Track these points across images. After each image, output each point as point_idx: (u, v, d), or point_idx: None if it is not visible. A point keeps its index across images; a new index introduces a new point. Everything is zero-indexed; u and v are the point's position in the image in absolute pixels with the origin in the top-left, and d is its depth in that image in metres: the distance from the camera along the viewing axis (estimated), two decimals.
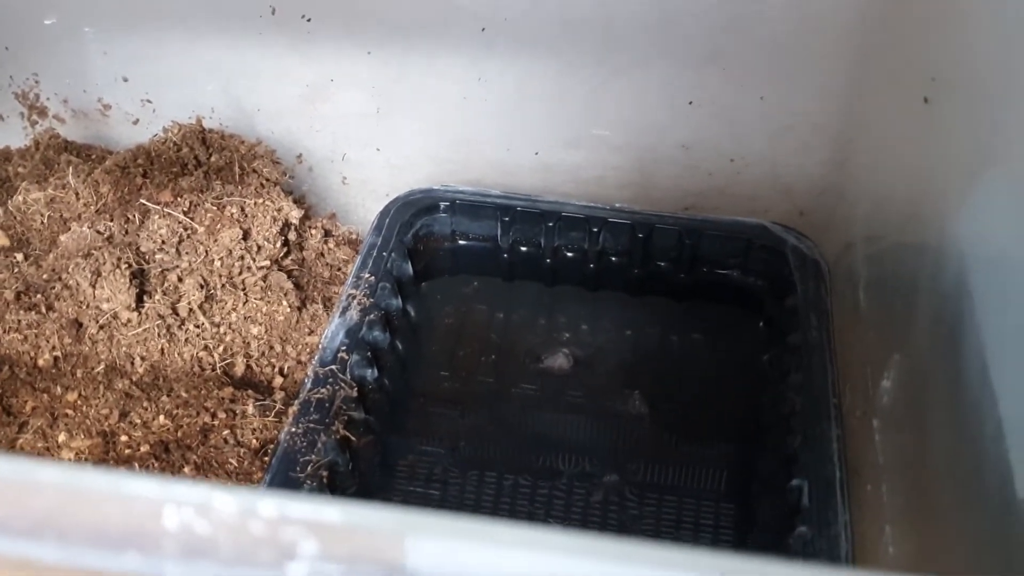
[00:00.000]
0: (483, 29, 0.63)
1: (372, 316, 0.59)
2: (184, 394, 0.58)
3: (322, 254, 0.70)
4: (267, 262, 0.65)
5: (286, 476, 0.50)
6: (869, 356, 0.53)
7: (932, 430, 0.42)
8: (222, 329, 0.61)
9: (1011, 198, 0.40)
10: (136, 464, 0.54)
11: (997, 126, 0.41)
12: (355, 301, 0.59)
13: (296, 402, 0.54)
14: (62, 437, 0.55)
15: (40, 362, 0.59)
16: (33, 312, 0.60)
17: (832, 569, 0.20)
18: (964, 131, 0.44)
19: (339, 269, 0.70)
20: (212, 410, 0.57)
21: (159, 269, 0.62)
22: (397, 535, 0.19)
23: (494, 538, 0.20)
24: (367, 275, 0.61)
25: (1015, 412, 0.35)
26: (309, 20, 0.65)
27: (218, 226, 0.64)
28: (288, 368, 0.62)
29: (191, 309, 0.61)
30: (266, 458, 0.54)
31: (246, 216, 0.65)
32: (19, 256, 0.65)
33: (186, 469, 0.54)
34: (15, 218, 0.67)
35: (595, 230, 0.65)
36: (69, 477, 0.20)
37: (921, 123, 0.49)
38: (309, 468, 0.51)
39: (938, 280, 0.44)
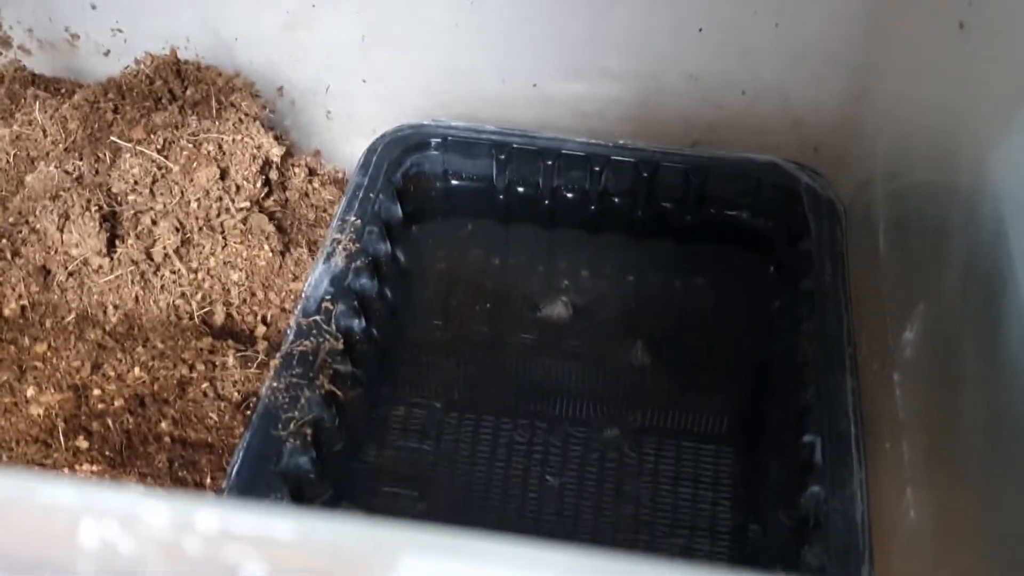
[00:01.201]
0: None
1: (359, 262, 0.56)
2: (160, 345, 0.54)
3: (306, 194, 0.66)
4: (247, 203, 0.61)
5: (267, 434, 0.47)
6: (889, 304, 0.49)
7: (962, 390, 0.39)
8: (200, 275, 0.58)
9: None
10: (110, 420, 0.51)
11: None
12: (340, 247, 0.56)
13: (278, 355, 0.51)
14: (31, 391, 0.51)
15: (6, 312, 0.55)
16: None
17: None
18: (1005, 59, 0.40)
19: (325, 210, 0.66)
20: (190, 362, 0.53)
21: (132, 211, 0.59)
22: (366, 554, 0.16)
23: (483, 555, 0.16)
24: (353, 218, 0.57)
25: None
26: None
27: (194, 165, 0.60)
28: (271, 316, 0.59)
29: (166, 254, 0.58)
30: (248, 412, 0.51)
31: (224, 154, 0.61)
32: None
33: (163, 424, 0.51)
34: None
35: (596, 169, 0.61)
36: None
37: (954, 50, 0.45)
38: (292, 425, 0.47)
39: (971, 225, 0.41)
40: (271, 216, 0.62)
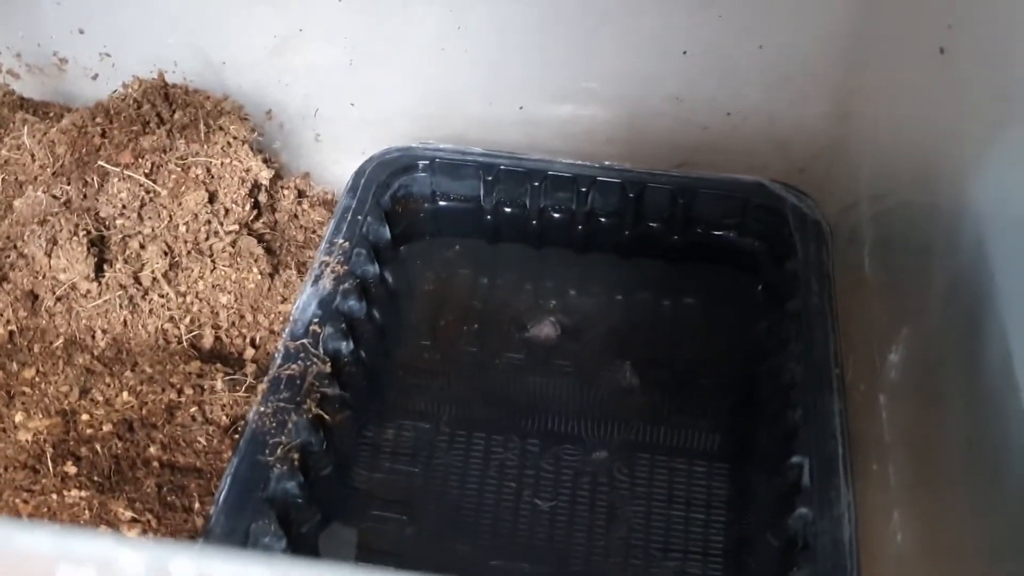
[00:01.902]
0: None
1: (347, 284, 0.56)
2: (149, 369, 0.54)
3: (295, 216, 0.67)
4: (236, 226, 0.61)
5: (254, 460, 0.47)
6: (875, 326, 0.50)
7: (946, 413, 0.39)
8: (188, 299, 0.58)
9: None
10: (98, 445, 0.50)
11: (1021, 78, 0.38)
12: (328, 269, 0.56)
13: (265, 380, 0.51)
14: (19, 417, 0.51)
15: None
16: None
17: None
18: (984, 83, 0.41)
19: (314, 231, 0.66)
20: (178, 386, 0.53)
21: (120, 236, 0.59)
22: None
23: None
24: (341, 241, 0.58)
25: None
26: None
27: (182, 188, 0.60)
28: (260, 339, 0.59)
29: (155, 278, 0.58)
30: (236, 436, 0.51)
31: (212, 177, 0.61)
32: None
33: (152, 449, 0.51)
34: None
35: (583, 189, 0.61)
36: None
37: (935, 74, 0.45)
38: (279, 450, 0.47)
39: (953, 246, 0.41)
40: (260, 238, 0.62)
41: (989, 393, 0.35)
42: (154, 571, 0.16)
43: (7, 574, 0.16)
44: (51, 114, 0.69)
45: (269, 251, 0.62)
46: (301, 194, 0.67)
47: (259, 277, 0.60)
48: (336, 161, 0.70)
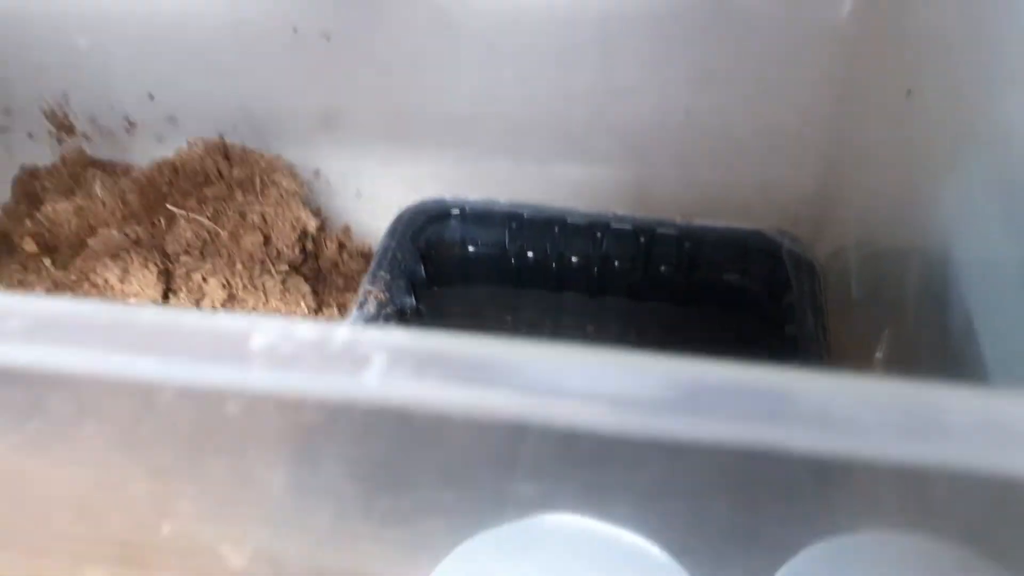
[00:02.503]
0: (488, 46, 0.67)
1: (388, 310, 0.62)
2: None
3: (336, 264, 0.73)
4: (286, 267, 0.68)
5: None
6: (861, 337, 0.56)
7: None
8: None
9: (989, 172, 0.43)
10: None
11: (976, 111, 0.45)
12: (372, 296, 0.62)
13: None
14: None
15: None
16: None
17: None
18: (948, 125, 0.48)
19: (353, 279, 0.73)
20: None
21: (184, 270, 0.65)
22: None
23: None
24: (383, 273, 0.64)
25: (997, 352, 0.38)
26: (328, 39, 0.69)
27: (240, 232, 0.67)
28: None
29: (214, 307, 0.64)
30: None
31: (267, 223, 0.68)
32: (47, 260, 0.68)
33: None
34: (44, 226, 0.70)
35: (598, 235, 0.68)
36: (163, 313, 0.23)
37: (903, 124, 0.53)
38: None
39: (926, 255, 0.48)
40: (306, 279, 0.69)
41: (955, 351, 0.41)
42: (321, 338, 0.22)
43: (213, 339, 0.22)
44: (118, 171, 0.77)
45: (314, 292, 0.68)
46: (342, 245, 0.74)
47: (306, 311, 0.66)
48: (374, 215, 0.77)
